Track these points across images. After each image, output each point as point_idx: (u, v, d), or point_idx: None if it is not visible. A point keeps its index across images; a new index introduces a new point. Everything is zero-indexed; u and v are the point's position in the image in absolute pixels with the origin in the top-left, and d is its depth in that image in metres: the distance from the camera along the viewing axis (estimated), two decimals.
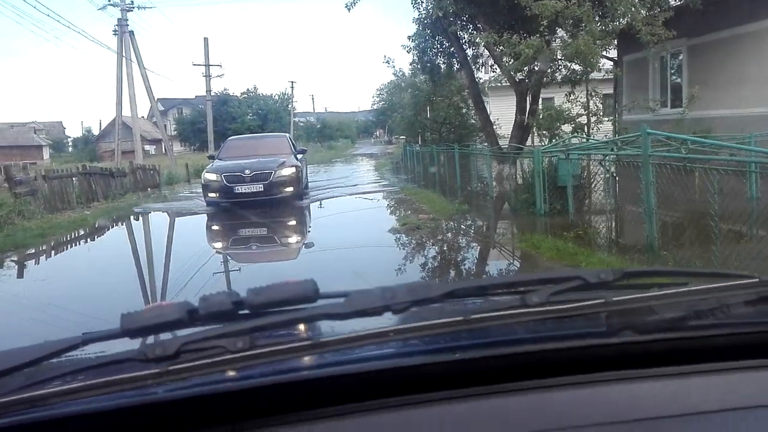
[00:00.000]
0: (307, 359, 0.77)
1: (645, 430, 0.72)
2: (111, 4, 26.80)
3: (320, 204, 13.87)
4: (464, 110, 23.53)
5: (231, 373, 0.73)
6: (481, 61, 16.78)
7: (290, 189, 12.68)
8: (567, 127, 12.02)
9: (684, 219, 5.45)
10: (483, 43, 13.12)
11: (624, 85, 14.84)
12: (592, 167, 7.82)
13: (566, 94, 11.41)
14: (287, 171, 12.88)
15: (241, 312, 0.73)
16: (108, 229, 12.61)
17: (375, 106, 55.72)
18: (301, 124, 68.58)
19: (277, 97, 62.36)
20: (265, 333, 0.74)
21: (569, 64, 11.10)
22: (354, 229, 9.97)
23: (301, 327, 0.84)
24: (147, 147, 42.93)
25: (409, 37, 17.17)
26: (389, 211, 12.69)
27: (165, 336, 0.73)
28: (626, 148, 5.90)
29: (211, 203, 12.73)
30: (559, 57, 10.47)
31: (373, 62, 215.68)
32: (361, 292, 0.75)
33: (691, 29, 11.46)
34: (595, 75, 12.23)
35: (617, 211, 7.02)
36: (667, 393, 0.76)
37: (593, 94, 10.77)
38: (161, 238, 10.72)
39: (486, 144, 20.15)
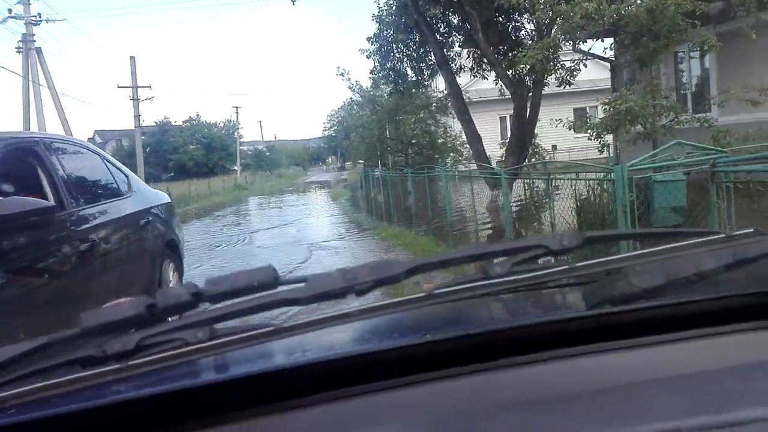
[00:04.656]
0: (270, 346, 0.77)
1: (625, 396, 0.67)
2: (13, 17, 22.64)
3: None
4: (432, 127, 20.46)
5: (194, 367, 0.74)
6: (458, 63, 13.65)
7: None
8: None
9: None
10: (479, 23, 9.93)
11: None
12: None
13: (628, 86, 8.10)
14: None
15: (200, 303, 0.70)
16: None
17: (326, 132, 52.58)
18: (249, 152, 64.70)
19: (222, 125, 58.61)
20: (226, 322, 0.72)
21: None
22: None
23: (262, 314, 0.75)
24: None
25: (368, 39, 13.98)
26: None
27: (124, 332, 0.71)
28: None
29: None
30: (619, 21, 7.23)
31: (322, 89, 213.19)
32: (321, 276, 0.72)
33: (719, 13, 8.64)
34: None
35: None
36: (647, 360, 0.74)
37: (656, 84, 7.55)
38: None
39: (466, 164, 17.04)
